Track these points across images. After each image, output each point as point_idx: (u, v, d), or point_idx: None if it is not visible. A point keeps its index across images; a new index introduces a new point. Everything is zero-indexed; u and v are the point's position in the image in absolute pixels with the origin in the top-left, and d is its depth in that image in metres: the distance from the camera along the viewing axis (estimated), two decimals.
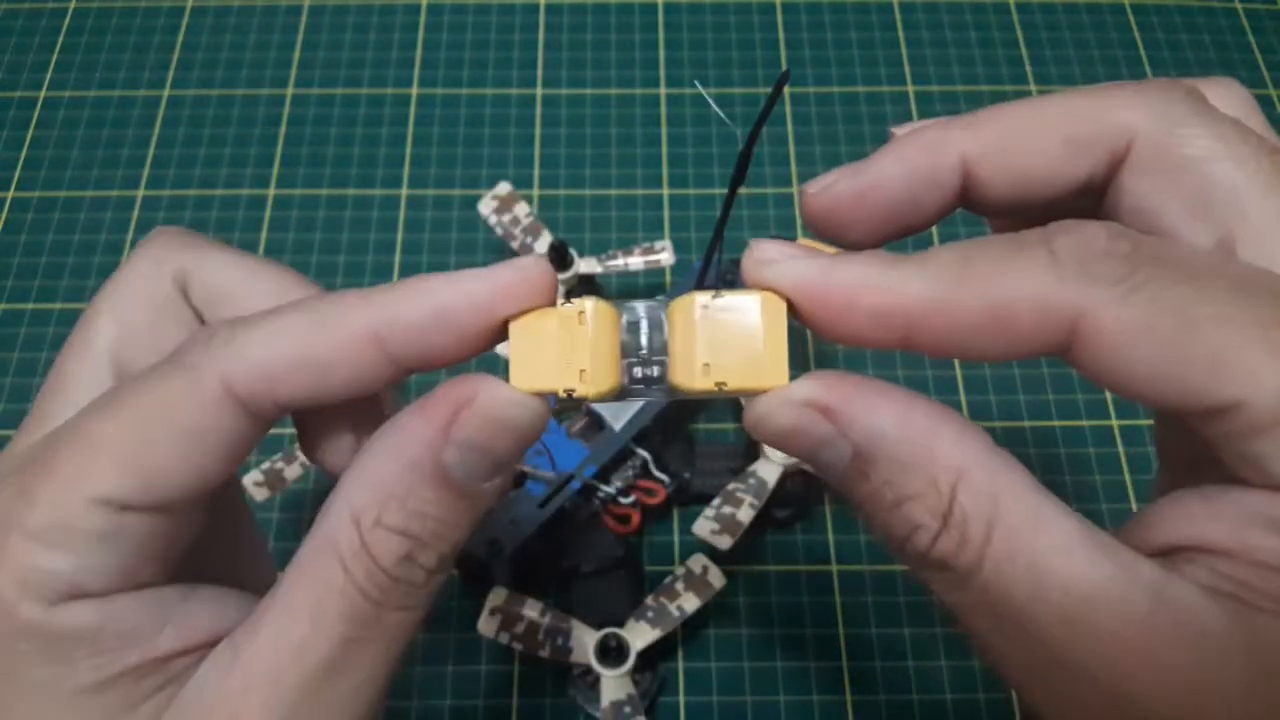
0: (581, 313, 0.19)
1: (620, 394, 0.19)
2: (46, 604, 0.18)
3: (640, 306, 0.20)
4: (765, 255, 0.19)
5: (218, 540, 0.22)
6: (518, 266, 0.19)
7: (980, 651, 0.18)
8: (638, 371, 0.19)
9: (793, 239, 0.41)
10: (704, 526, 0.39)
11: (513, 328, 0.19)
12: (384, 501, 0.18)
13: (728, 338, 0.19)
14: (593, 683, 0.38)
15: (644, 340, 0.19)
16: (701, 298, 0.19)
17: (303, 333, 0.19)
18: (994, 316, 0.18)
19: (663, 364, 0.19)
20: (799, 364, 0.48)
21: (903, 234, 0.22)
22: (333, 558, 0.18)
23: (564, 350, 0.19)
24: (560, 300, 0.19)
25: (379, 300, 0.19)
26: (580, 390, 0.19)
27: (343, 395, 0.20)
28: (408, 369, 0.20)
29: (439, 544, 0.19)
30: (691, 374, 0.19)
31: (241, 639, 0.18)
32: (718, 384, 0.19)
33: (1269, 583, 0.16)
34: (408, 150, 0.55)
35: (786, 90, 0.57)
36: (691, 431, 0.46)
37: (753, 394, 0.19)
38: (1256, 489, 0.17)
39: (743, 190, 0.43)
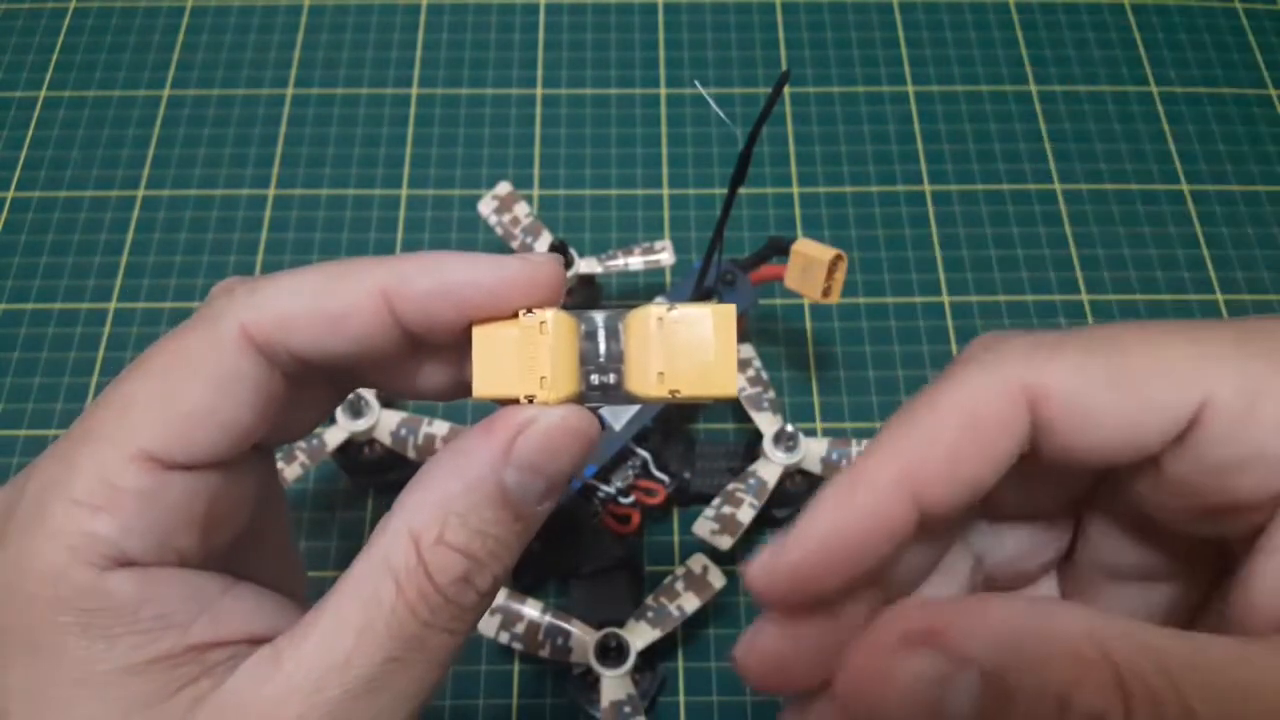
0: (543, 323, 0.20)
1: (579, 400, 0.20)
2: (96, 570, 0.18)
3: (598, 316, 0.20)
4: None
5: (255, 539, 0.22)
6: (529, 261, 0.20)
7: None
8: (595, 379, 0.20)
9: (793, 239, 0.41)
10: (704, 526, 0.40)
11: (476, 336, 0.20)
12: (445, 519, 0.19)
13: (681, 348, 0.20)
14: (593, 683, 0.38)
15: (601, 349, 0.20)
16: (657, 310, 0.20)
17: (318, 285, 0.20)
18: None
19: (619, 372, 0.20)
20: (799, 365, 0.48)
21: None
22: (387, 575, 0.18)
23: (525, 359, 0.20)
24: (522, 312, 0.20)
25: (392, 264, 0.20)
26: (541, 396, 0.19)
27: (354, 351, 0.20)
28: (415, 336, 0.20)
29: (495, 565, 0.19)
30: (647, 382, 0.20)
31: (285, 646, 0.18)
32: (671, 391, 0.20)
33: None
34: (408, 150, 0.55)
35: (786, 90, 0.56)
36: (691, 431, 0.46)
37: (703, 401, 0.20)
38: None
39: (743, 190, 0.43)
